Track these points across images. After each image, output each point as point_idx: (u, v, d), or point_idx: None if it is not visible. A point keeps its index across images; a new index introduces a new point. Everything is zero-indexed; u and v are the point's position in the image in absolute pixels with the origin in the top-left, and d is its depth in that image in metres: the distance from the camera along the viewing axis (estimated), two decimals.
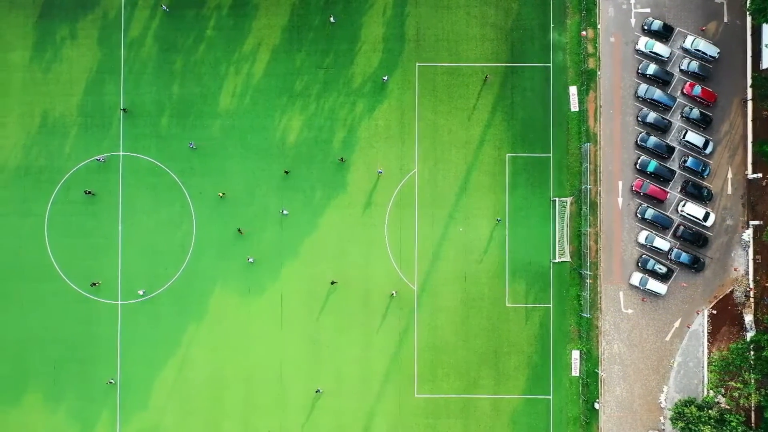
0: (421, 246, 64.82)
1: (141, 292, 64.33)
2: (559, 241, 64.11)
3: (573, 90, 64.99)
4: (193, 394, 64.28)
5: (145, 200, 65.00)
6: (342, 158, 64.50)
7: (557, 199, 64.31)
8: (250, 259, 64.01)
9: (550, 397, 64.17)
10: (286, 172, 64.23)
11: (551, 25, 65.38)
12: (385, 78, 64.55)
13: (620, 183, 64.57)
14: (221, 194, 64.25)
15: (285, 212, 64.19)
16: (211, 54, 65.50)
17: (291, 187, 64.94)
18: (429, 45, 65.42)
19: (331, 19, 64.89)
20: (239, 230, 64.16)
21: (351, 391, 64.13)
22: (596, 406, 63.53)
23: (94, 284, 64.11)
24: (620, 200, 64.56)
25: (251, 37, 65.58)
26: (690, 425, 57.95)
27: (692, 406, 58.96)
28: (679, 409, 59.61)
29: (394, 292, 64.12)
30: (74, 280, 64.62)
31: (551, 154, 64.94)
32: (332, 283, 64.06)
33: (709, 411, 58.31)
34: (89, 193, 64.26)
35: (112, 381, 63.86)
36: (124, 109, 64.59)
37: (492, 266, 64.69)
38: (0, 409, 64.19)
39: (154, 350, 64.51)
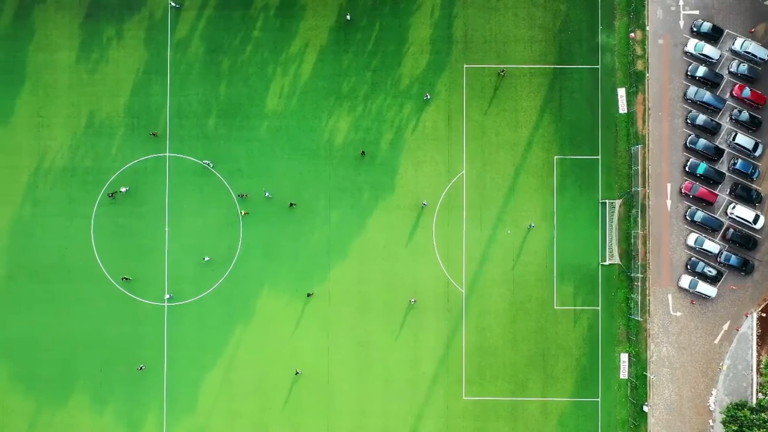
0: (469, 248, 64.66)
1: (168, 296, 64.10)
2: (608, 244, 63.92)
3: (621, 92, 64.81)
4: (240, 396, 64.09)
5: (192, 201, 64.80)
6: (363, 152, 64.28)
7: (606, 201, 64.12)
8: (206, 258, 63.68)
9: (599, 399, 64.00)
10: (292, 204, 64.02)
11: (599, 27, 65.19)
12: (427, 96, 64.35)
13: (669, 185, 64.40)
14: (243, 212, 64.00)
15: (267, 195, 63.82)
16: (258, 55, 65.30)
17: (338, 188, 64.78)
18: (477, 46, 65.22)
19: (347, 17, 64.68)
20: (291, 204, 64.05)
21: (399, 393, 63.94)
22: (645, 408, 63.35)
23: (126, 279, 63.88)
24: (669, 203, 64.40)
25: (298, 38, 65.40)
26: (744, 428, 57.79)
27: (745, 409, 58.81)
28: (732, 412, 59.47)
29: (413, 300, 63.91)
30: (121, 282, 64.39)
31: (599, 156, 64.76)
32: (308, 295, 63.75)
33: (763, 414, 58.12)
34: (113, 195, 63.97)
35: (142, 367, 63.54)
36: (154, 133, 64.26)
37: (540, 268, 64.50)
38: (48, 410, 64.01)
39: (201, 352, 64.31)
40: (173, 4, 64.81)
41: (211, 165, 63.85)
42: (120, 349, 64.27)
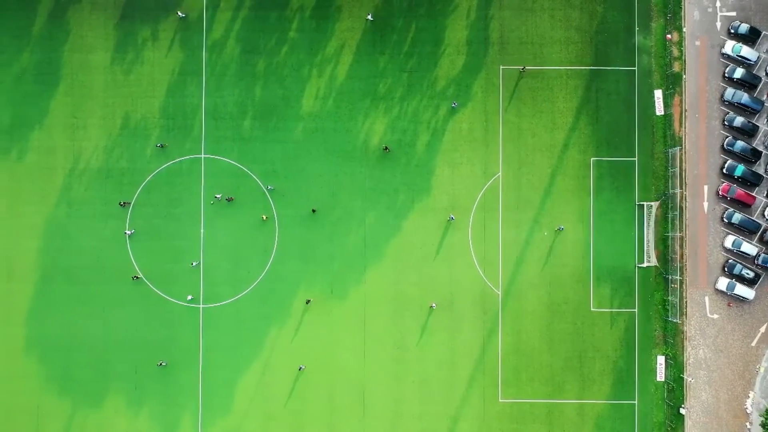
0: (505, 250, 64.49)
1: (189, 297, 63.92)
2: (645, 246, 63.77)
3: (658, 94, 64.67)
4: (275, 398, 63.92)
5: (227, 203, 64.56)
6: (386, 147, 64.08)
7: (643, 203, 63.97)
8: (194, 263, 63.54)
9: (635, 402, 63.85)
10: (314, 211, 63.96)
11: (636, 29, 65.05)
12: (455, 104, 64.20)
13: (706, 187, 64.26)
14: (264, 217, 63.85)
15: (270, 187, 63.84)
16: (293, 56, 65.14)
17: (374, 189, 64.62)
18: (513, 48, 65.07)
19: (369, 17, 64.51)
20: (313, 210, 64.00)
21: (435, 396, 63.79)
22: (682, 411, 63.23)
23: (136, 278, 63.67)
24: (706, 205, 64.26)
25: (334, 39, 65.23)
26: None
27: None
28: None
29: (433, 305, 63.76)
30: (156, 283, 64.26)
31: (636, 158, 64.62)
32: (307, 302, 63.53)
33: None
34: (124, 204, 63.85)
35: (162, 363, 63.40)
36: (160, 145, 64.13)
37: (576, 270, 64.35)
38: (82, 412, 63.82)
39: (236, 354, 64.12)
40: (180, 14, 64.57)
41: (219, 197, 63.95)
42: (155, 350, 64.07)
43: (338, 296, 64.27)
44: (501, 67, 64.98)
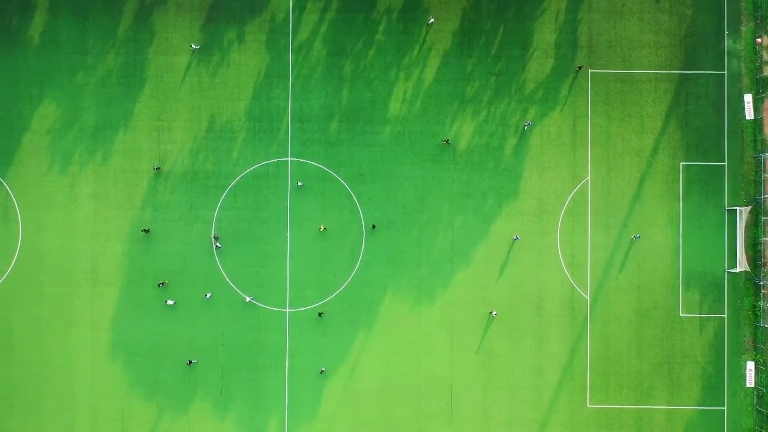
0: (593, 254, 64.08)
1: (248, 299, 63.46)
2: (738, 251, 63.36)
3: (748, 98, 64.25)
4: (363, 404, 63.52)
5: (314, 206, 64.16)
6: (447, 140, 63.66)
7: (736, 208, 63.57)
8: (170, 302, 63.05)
9: (725, 408, 63.50)
10: (374, 227, 63.54)
11: (726, 32, 64.60)
12: (528, 123, 63.68)
13: None
14: (322, 227, 63.42)
15: (300, 184, 63.42)
16: (380, 58, 64.65)
17: (462, 193, 64.20)
18: (601, 51, 64.61)
19: (431, 21, 64.01)
20: (373, 226, 63.45)
21: (523, 401, 63.42)
22: None
23: (161, 284, 63.16)
24: None
25: (421, 42, 64.73)
26: None
27: None
28: None
29: (494, 312, 63.38)
30: (242, 287, 63.82)
31: (726, 163, 64.20)
32: (319, 314, 63.09)
33: None
34: (146, 231, 63.42)
35: (193, 361, 63.01)
36: (157, 168, 63.63)
37: (665, 275, 63.96)
38: (168, 417, 63.41)
39: (322, 359, 63.69)
40: (193, 47, 63.99)
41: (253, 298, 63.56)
42: (241, 355, 63.68)
43: (426, 301, 63.84)
44: (589, 70, 64.52)
